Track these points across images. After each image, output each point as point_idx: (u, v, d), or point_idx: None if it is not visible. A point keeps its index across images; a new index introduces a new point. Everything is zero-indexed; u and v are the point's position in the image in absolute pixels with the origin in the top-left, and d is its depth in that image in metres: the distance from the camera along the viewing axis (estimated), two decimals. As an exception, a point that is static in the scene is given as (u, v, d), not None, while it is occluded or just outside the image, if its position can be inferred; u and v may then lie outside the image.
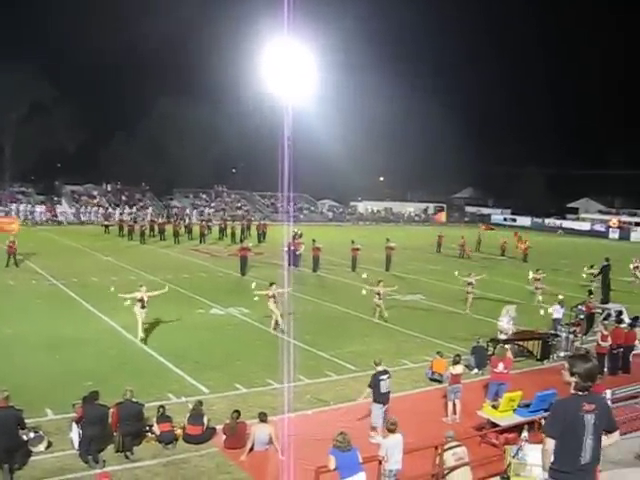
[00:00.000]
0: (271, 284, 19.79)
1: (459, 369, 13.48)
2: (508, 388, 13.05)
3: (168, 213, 61.96)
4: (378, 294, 21.30)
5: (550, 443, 5.51)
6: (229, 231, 46.38)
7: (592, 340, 18.49)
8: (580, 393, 5.46)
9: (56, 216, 57.33)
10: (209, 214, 62.89)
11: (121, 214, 57.41)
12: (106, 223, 49.79)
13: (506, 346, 15.17)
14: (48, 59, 63.42)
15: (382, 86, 69.11)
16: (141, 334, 17.70)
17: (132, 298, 17.94)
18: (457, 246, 42.58)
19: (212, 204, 69.31)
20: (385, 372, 12.19)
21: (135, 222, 47.21)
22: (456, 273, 25.50)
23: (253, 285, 21.44)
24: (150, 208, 63.68)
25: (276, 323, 19.50)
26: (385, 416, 11.55)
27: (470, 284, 23.72)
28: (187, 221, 49.63)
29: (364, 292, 22.11)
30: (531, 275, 26.45)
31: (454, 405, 13.22)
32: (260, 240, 45.07)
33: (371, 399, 12.15)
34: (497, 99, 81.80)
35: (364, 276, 26.08)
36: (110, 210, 60.21)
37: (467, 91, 79.87)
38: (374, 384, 12.09)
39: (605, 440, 5.56)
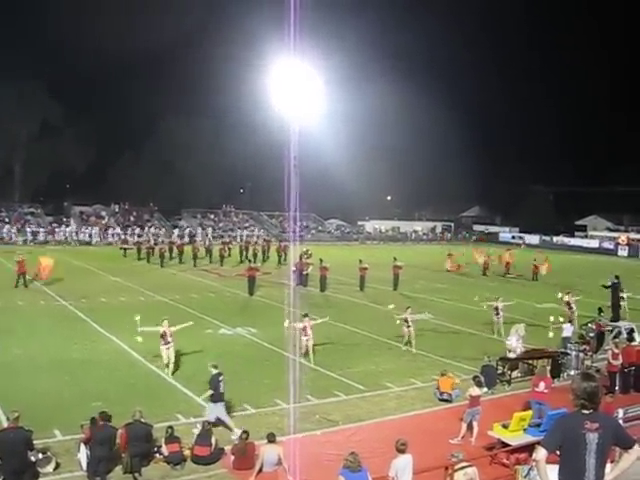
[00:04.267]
0: (305, 315, 18.82)
1: (478, 391, 13.36)
2: (550, 408, 12.72)
3: (183, 233, 61.99)
4: (406, 321, 20.25)
5: (541, 453, 5.45)
6: (250, 252, 44.89)
7: (603, 358, 18.36)
8: (584, 411, 5.41)
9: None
10: (248, 236, 62.92)
11: (139, 236, 56.95)
12: (125, 246, 48.24)
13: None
14: (58, 80, 64.28)
15: (389, 105, 69.54)
16: (167, 372, 16.67)
17: (154, 332, 17.01)
18: (481, 264, 42.66)
19: (220, 224, 69.50)
20: (221, 374, 13.08)
21: (156, 244, 45.96)
22: (476, 298, 24.73)
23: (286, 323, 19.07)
24: (163, 229, 63.99)
25: (306, 353, 18.42)
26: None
27: (497, 309, 22.75)
28: (207, 243, 48.22)
29: (398, 322, 20.49)
30: (565, 297, 24.68)
31: (471, 427, 13.02)
32: (280, 262, 43.40)
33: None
34: (504, 117, 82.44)
35: (391, 307, 22.17)
36: (119, 231, 60.54)
37: (474, 110, 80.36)
38: (215, 386, 12.85)
39: (627, 456, 5.49)
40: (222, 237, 60.25)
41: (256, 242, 52.78)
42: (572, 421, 5.47)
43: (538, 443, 5.64)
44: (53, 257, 31.07)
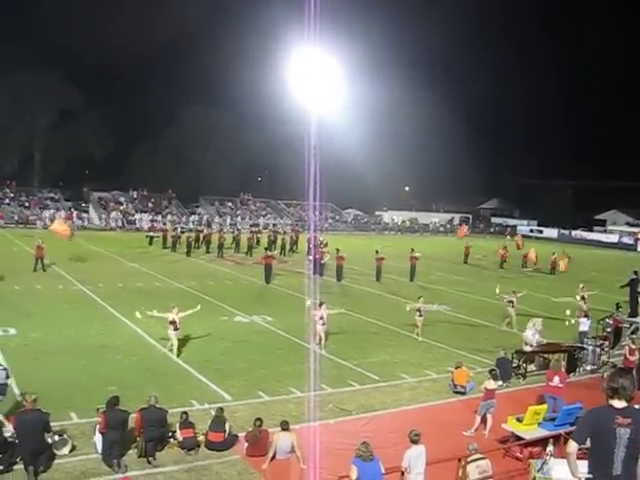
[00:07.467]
0: (321, 304, 18.86)
1: (494, 384, 13.28)
2: (565, 402, 12.78)
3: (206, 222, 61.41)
4: (419, 310, 20.45)
5: (572, 446, 5.47)
6: (279, 242, 43.74)
7: (619, 354, 18.24)
8: (616, 406, 5.37)
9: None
10: (275, 225, 62.10)
11: (164, 223, 55.36)
12: (151, 234, 46.52)
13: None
14: (77, 68, 64.73)
15: (408, 96, 69.19)
16: (175, 355, 17.04)
17: (162, 318, 17.33)
18: (499, 256, 42.32)
19: (237, 212, 69.61)
20: (6, 369, 12.13)
21: (182, 232, 44.75)
22: (497, 290, 24.08)
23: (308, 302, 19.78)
24: (188, 216, 64.01)
25: (320, 341, 18.43)
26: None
27: (511, 302, 22.53)
28: (235, 232, 46.34)
29: (408, 309, 20.87)
30: (580, 293, 24.35)
31: (485, 420, 12.97)
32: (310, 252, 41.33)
33: None
34: (524, 112, 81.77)
35: (408, 309, 21.27)
36: (136, 216, 60.86)
37: (494, 103, 79.90)
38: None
39: None
40: (268, 226, 59.87)
41: (284, 232, 51.74)
42: (603, 415, 5.43)
43: (559, 436, 5.62)
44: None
